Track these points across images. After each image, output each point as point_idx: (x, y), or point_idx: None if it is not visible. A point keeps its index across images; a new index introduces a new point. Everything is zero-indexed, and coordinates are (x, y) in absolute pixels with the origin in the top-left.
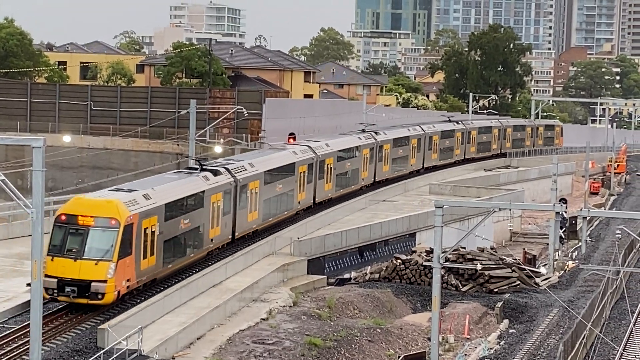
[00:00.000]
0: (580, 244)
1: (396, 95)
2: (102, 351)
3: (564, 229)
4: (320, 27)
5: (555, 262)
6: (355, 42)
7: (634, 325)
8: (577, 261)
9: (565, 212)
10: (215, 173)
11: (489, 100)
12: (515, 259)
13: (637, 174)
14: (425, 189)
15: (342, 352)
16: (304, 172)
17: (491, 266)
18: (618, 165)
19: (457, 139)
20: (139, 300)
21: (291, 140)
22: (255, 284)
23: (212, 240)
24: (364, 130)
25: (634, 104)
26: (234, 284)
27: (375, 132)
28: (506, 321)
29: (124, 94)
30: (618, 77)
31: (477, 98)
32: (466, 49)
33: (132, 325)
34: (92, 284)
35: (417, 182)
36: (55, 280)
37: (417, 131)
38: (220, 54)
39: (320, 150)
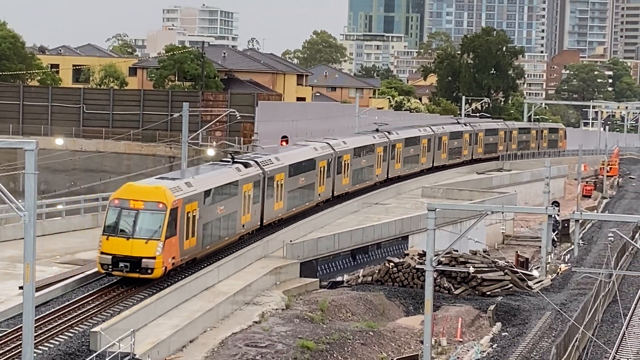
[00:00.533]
0: (572, 247)
1: (389, 98)
2: (94, 354)
3: (556, 232)
4: (313, 30)
5: (547, 265)
6: (347, 45)
7: (626, 328)
8: (569, 264)
9: (558, 215)
10: (246, 165)
11: (481, 103)
12: (508, 262)
13: (630, 177)
14: (418, 191)
15: (334, 355)
16: (324, 167)
17: (484, 269)
18: (610, 168)
19: (465, 140)
20: (133, 302)
21: (283, 143)
22: (247, 287)
23: (243, 225)
24: (377, 130)
25: (626, 107)
26: (226, 287)
27: (388, 132)
28: (499, 324)
29: (117, 97)
30: (610, 80)
31: (469, 101)
32: (459, 52)
33: (125, 328)
34: (143, 260)
35: (409, 185)
36: (110, 257)
37: (427, 132)
38: (213, 57)
39: (338, 147)
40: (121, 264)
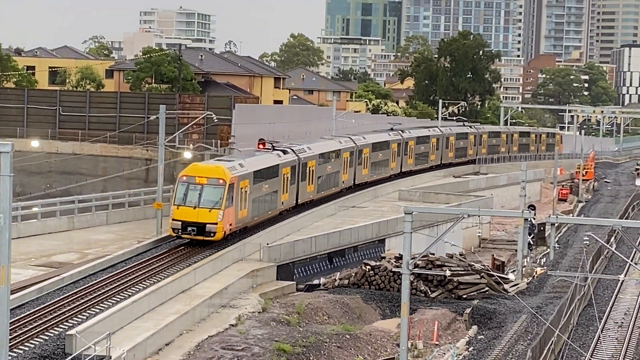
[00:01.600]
0: (548, 250)
1: (366, 102)
2: (70, 357)
3: (532, 235)
4: (290, 33)
5: (523, 269)
6: (325, 48)
7: (601, 331)
8: (545, 267)
9: (534, 219)
10: (284, 152)
11: (458, 107)
12: (484, 265)
13: (605, 181)
14: (395, 195)
15: (311, 358)
16: (347, 157)
17: (460, 272)
18: (586, 172)
19: (470, 141)
20: (109, 305)
21: (260, 146)
22: (224, 290)
23: (282, 203)
24: (392, 129)
25: (602, 111)
26: (202, 290)
27: (402, 131)
28: (475, 327)
29: (93, 99)
30: (586, 85)
31: (446, 105)
32: (436, 56)
33: (101, 331)
34: (207, 225)
35: (386, 189)
36: (180, 223)
37: (436, 132)
38: (190, 59)
39: (359, 142)
40: (189, 229)
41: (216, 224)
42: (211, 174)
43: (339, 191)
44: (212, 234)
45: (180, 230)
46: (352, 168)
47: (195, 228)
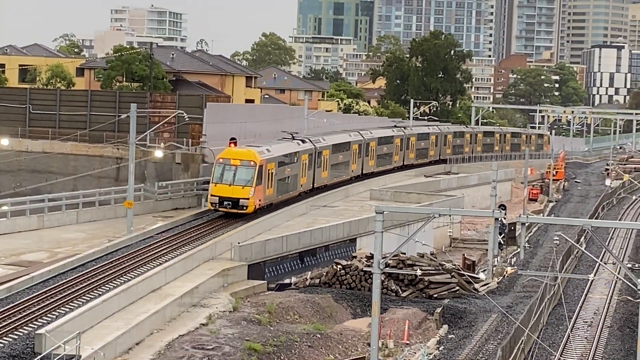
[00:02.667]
0: (518, 250)
1: (337, 101)
2: (39, 356)
3: (503, 235)
4: (262, 32)
5: (494, 268)
6: (297, 48)
7: (571, 330)
8: (515, 267)
9: (504, 219)
10: (303, 141)
11: (429, 107)
12: (455, 265)
13: (576, 181)
14: (366, 194)
15: (281, 358)
16: (356, 149)
17: (431, 272)
18: (557, 172)
19: (467, 139)
20: (79, 304)
21: (232, 145)
22: (195, 289)
23: (301, 185)
24: (395, 126)
25: (572, 112)
26: (173, 289)
27: (404, 127)
28: (445, 326)
29: (64, 98)
30: (557, 85)
31: (417, 104)
32: (407, 56)
33: (70, 330)
34: (240, 200)
35: (357, 188)
36: (217, 198)
37: (435, 130)
38: (161, 58)
39: (366, 136)
40: (225, 203)
41: (248, 199)
42: (244, 157)
43: (349, 179)
44: (244, 208)
45: (217, 204)
46: (360, 159)
47: (230, 202)
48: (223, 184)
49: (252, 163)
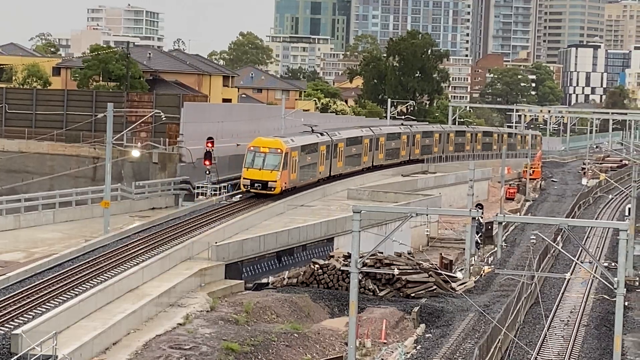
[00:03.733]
0: (495, 249)
1: (315, 101)
2: (15, 357)
3: (480, 234)
4: (239, 32)
5: (471, 267)
6: (274, 47)
7: (547, 329)
8: (492, 266)
9: (482, 218)
10: (322, 134)
11: (407, 106)
12: (432, 264)
13: (552, 180)
14: (344, 193)
15: (259, 357)
16: (367, 143)
17: (408, 271)
18: (533, 172)
19: (467, 138)
20: (55, 305)
21: (209, 144)
22: (172, 289)
23: (320, 173)
24: (402, 124)
25: (549, 111)
26: (150, 289)
27: (410, 125)
28: (423, 326)
29: (40, 97)
30: (534, 84)
31: (395, 104)
32: (384, 55)
33: (47, 331)
34: (269, 182)
35: (335, 187)
36: (249, 180)
37: (438, 129)
38: (138, 57)
39: (376, 132)
40: (256, 184)
41: (275, 181)
42: (272, 145)
43: (361, 170)
44: (272, 189)
45: (249, 186)
46: (371, 152)
47: (260, 184)
48: (254, 169)
49: (279, 150)
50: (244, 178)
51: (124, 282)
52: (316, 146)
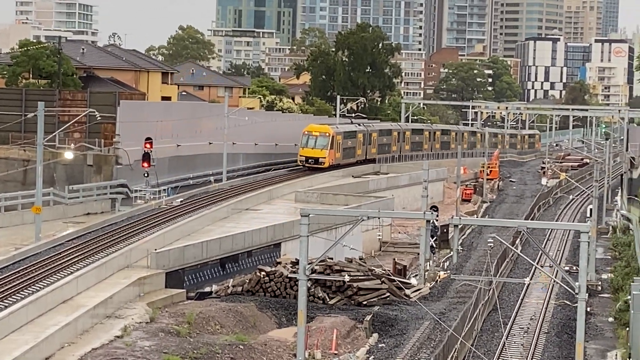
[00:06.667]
0: (451, 253)
1: (260, 98)
2: None
3: (435, 237)
4: (179, 25)
5: (426, 273)
6: (216, 41)
7: (506, 338)
8: (448, 271)
9: (437, 220)
10: (359, 125)
11: (357, 103)
12: (385, 270)
13: (511, 180)
14: (291, 196)
15: None
16: (396, 135)
17: (360, 277)
18: (491, 171)
19: (452, 137)
20: None
21: (147, 145)
22: (109, 299)
23: (357, 155)
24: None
25: (506, 107)
26: (85, 300)
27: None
28: (375, 335)
29: None
30: (490, 80)
31: (344, 101)
32: (333, 49)
33: None
34: (319, 159)
35: (282, 190)
36: (304, 157)
37: (429, 127)
38: (71, 53)
39: (403, 127)
40: (310, 160)
41: (325, 158)
42: (322, 130)
43: (391, 157)
44: (322, 163)
45: (304, 162)
46: (398, 143)
47: (313, 160)
48: (307, 148)
49: (327, 134)
50: (300, 156)
51: (57, 293)
52: (355, 134)
